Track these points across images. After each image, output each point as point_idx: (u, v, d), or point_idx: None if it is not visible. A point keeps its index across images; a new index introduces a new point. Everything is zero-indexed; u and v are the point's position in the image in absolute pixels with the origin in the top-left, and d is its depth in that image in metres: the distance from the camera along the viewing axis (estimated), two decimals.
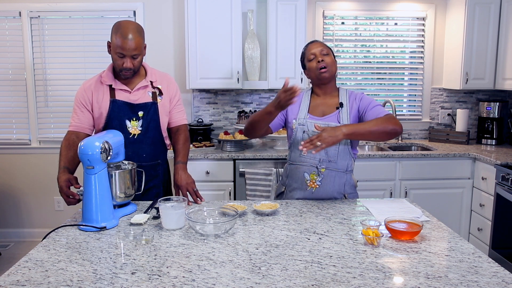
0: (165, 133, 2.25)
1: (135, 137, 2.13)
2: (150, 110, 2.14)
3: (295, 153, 2.14)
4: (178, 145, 2.22)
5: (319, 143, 1.78)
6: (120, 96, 2.11)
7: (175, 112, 2.25)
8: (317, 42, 2.13)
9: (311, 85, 2.24)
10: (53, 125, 3.90)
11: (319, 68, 2.05)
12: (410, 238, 1.58)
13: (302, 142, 1.83)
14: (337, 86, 2.19)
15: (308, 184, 2.10)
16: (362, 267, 1.36)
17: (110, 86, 2.12)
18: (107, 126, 2.11)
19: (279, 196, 2.24)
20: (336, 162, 2.08)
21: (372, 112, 2.02)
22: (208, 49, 3.48)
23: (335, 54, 2.15)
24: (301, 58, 2.19)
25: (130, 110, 2.11)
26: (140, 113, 2.12)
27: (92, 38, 3.78)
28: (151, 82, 2.17)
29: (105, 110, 2.10)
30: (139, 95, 2.13)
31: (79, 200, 1.84)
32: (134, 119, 2.12)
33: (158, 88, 2.18)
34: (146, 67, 2.20)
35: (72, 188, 1.88)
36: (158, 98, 2.17)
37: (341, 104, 2.09)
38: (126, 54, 1.98)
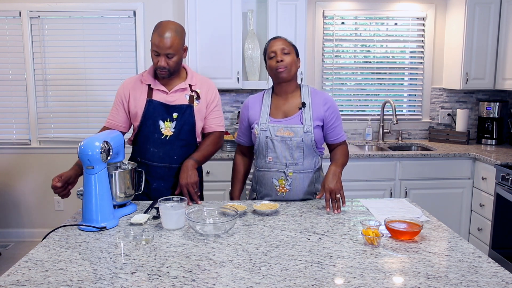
0: (199, 138, 2.21)
1: (167, 138, 2.11)
2: (185, 113, 2.11)
3: (260, 159, 2.09)
4: (201, 145, 2.18)
5: (338, 195, 1.91)
6: (157, 96, 2.10)
7: (211, 118, 2.20)
8: (279, 39, 2.07)
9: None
10: (53, 125, 3.89)
11: (278, 68, 2.00)
12: (410, 238, 1.58)
13: (327, 209, 1.90)
14: (299, 84, 2.13)
15: (278, 189, 2.07)
16: (362, 267, 1.36)
17: (149, 85, 2.11)
18: (142, 125, 2.11)
19: None
20: (303, 164, 2.04)
21: (334, 133, 2.11)
22: (208, 49, 3.48)
23: (298, 52, 2.09)
24: (263, 53, 2.12)
25: (165, 110, 2.10)
26: (175, 115, 2.10)
27: (92, 38, 3.77)
28: (190, 86, 2.15)
29: (140, 109, 2.10)
30: (176, 96, 2.12)
31: (64, 189, 1.87)
32: (168, 120, 2.10)
33: (196, 92, 2.15)
34: (187, 70, 2.19)
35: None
36: (195, 102, 2.14)
37: (303, 104, 2.04)
38: (161, 52, 1.98)
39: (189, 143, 2.17)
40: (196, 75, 2.21)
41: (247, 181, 2.36)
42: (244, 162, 2.26)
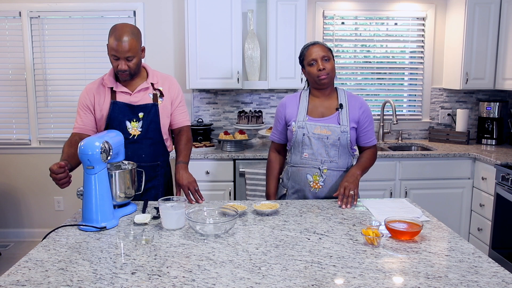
0: (165, 135, 2.25)
1: (135, 138, 2.14)
2: (151, 112, 2.14)
3: (296, 155, 2.15)
4: (180, 146, 2.24)
5: (352, 192, 1.97)
6: (121, 98, 2.13)
7: (177, 114, 2.26)
8: (318, 45, 2.12)
9: (307, 85, 2.26)
10: (53, 125, 3.89)
11: (320, 76, 2.07)
12: (410, 238, 1.58)
13: (339, 202, 1.98)
14: (335, 86, 2.21)
15: (311, 185, 2.12)
16: (362, 267, 1.36)
17: (112, 88, 2.13)
18: (108, 127, 2.12)
19: (281, 198, 2.25)
20: (337, 162, 2.11)
21: (367, 136, 2.19)
22: (208, 49, 3.48)
23: (334, 54, 2.19)
24: (300, 57, 2.18)
25: (131, 111, 2.12)
26: (140, 114, 2.13)
27: (92, 38, 3.77)
28: (152, 84, 2.18)
29: (106, 112, 2.12)
30: (139, 97, 2.14)
31: (67, 175, 1.78)
32: (134, 120, 2.13)
33: (159, 90, 2.19)
34: (147, 69, 2.21)
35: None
36: (159, 100, 2.18)
37: (340, 106, 2.12)
38: (120, 56, 2.00)
39: (156, 141, 2.20)
40: (157, 73, 2.23)
41: None
42: (278, 159, 2.33)
